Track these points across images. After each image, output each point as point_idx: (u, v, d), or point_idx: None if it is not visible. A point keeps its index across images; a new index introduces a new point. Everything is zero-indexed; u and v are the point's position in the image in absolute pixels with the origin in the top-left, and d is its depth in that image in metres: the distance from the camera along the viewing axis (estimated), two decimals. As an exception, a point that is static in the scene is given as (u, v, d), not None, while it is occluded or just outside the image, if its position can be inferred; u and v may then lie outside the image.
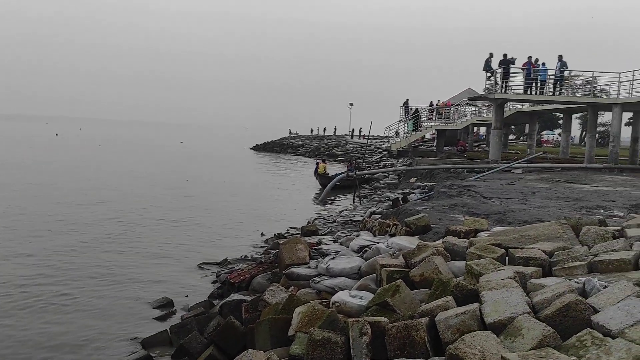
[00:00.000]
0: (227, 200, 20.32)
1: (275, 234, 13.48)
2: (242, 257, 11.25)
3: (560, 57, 23.98)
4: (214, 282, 9.81)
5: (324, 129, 77.14)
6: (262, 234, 13.91)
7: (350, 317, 4.86)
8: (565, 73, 25.55)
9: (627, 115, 31.71)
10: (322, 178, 24.73)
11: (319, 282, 6.69)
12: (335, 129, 76.99)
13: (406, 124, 34.97)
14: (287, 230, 14.24)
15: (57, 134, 72.79)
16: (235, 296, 7.69)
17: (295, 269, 7.33)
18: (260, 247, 12.55)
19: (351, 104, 71.31)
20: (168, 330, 7.20)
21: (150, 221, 15.35)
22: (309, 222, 14.27)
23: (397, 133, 36.63)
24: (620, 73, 23.73)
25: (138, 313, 8.22)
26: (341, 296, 5.44)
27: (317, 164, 26.24)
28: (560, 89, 24.63)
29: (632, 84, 23.09)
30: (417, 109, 34.84)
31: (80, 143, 57.73)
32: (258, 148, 61.66)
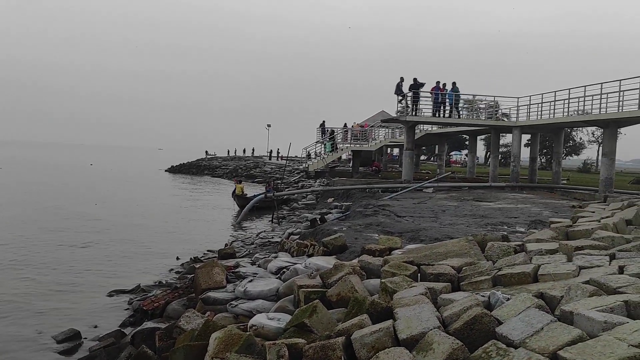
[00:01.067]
0: (140, 224, 19.55)
1: (191, 258, 13.13)
2: (156, 283, 10.85)
3: (453, 83, 25.46)
4: (126, 310, 9.35)
5: (244, 150, 76.85)
6: (178, 258, 13.50)
7: (268, 340, 4.82)
8: (468, 97, 27.25)
9: (526, 137, 34.11)
10: (240, 199, 24.49)
11: (236, 305, 6.59)
12: (253, 150, 76.85)
13: (323, 145, 35.55)
14: (204, 253, 13.92)
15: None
16: (148, 324, 7.38)
17: (211, 293, 7.18)
18: (176, 271, 12.15)
19: (269, 125, 71.59)
20: (75, 364, 6.77)
21: (54, 247, 14.44)
22: (226, 245, 14.03)
23: (308, 155, 37.12)
24: (518, 98, 25.62)
25: (40, 348, 7.63)
26: (259, 319, 5.38)
27: (236, 184, 25.99)
28: (458, 113, 25.96)
29: (529, 108, 24.98)
30: (333, 131, 35.54)
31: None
32: (173, 170, 60.07)
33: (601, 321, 3.37)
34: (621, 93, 18.62)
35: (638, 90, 17.59)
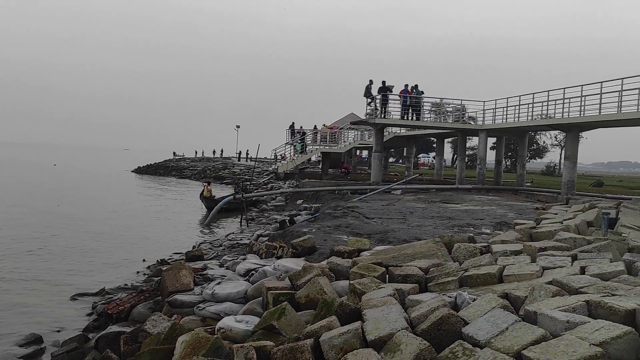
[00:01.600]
0: (106, 226, 19.15)
1: (157, 260, 12.93)
2: (122, 286, 10.63)
3: (416, 86, 25.75)
4: (90, 314, 9.14)
5: (213, 152, 76.14)
6: (144, 260, 13.27)
7: (236, 343, 4.78)
8: (436, 101, 27.61)
9: (492, 140, 34.77)
10: (208, 201, 24.25)
11: (203, 308, 6.51)
12: (222, 151, 76.24)
13: (292, 147, 35.55)
14: (171, 256, 13.72)
15: None
16: (113, 328, 7.23)
17: (178, 296, 7.08)
18: (142, 274, 11.95)
19: (238, 126, 71.02)
20: (36, 370, 6.58)
21: (14, 250, 14.01)
22: (194, 247, 13.87)
23: (276, 158, 37.12)
24: (484, 102, 26.12)
25: (0, 353, 7.40)
26: (226, 322, 5.34)
27: (206, 186, 25.73)
28: (419, 116, 26.10)
29: (495, 112, 25.48)
30: (304, 132, 35.57)
31: None
32: (140, 170, 59.09)
33: (564, 321, 3.45)
34: (583, 98, 19.15)
35: (599, 95, 18.13)
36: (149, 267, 12.52)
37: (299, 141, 34.56)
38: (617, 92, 17.27)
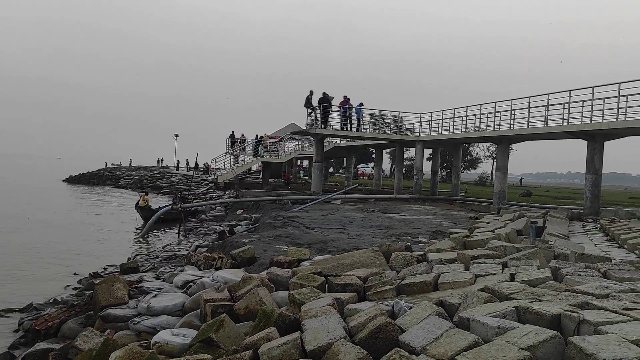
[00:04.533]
0: (34, 238, 18.21)
1: (90, 273, 12.43)
2: (51, 301, 10.12)
3: (347, 97, 26.04)
4: (16, 330, 8.64)
5: (158, 161, 73.80)
6: (75, 274, 12.70)
7: (172, 358, 4.67)
8: (374, 112, 28.10)
9: (428, 151, 35.77)
10: (144, 211, 23.56)
11: (138, 322, 6.31)
12: (159, 160, 74.30)
13: (232, 157, 35.22)
14: (104, 268, 13.22)
15: None
16: (41, 345, 6.87)
17: (112, 310, 6.83)
18: (73, 288, 11.43)
19: (176, 135, 69.50)
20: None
21: None
22: (129, 259, 13.45)
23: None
24: (421, 114, 26.87)
25: None
26: (162, 336, 5.20)
27: (142, 196, 25.00)
28: (350, 126, 26.19)
29: (431, 124, 26.27)
30: (260, 137, 35.41)
31: None
32: (72, 180, 56.60)
33: (494, 326, 3.59)
34: (512, 112, 20.09)
35: (527, 109, 19.07)
36: (80, 281, 12.00)
37: (255, 145, 34.46)
38: (544, 107, 18.24)
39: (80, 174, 59.57)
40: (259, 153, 34.07)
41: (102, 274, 12.25)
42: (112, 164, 73.16)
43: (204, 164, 36.89)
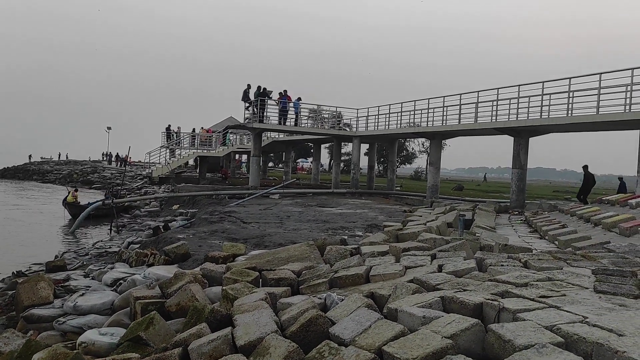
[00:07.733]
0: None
1: (13, 272, 11.77)
2: (-31, 303, 9.56)
3: (285, 91, 26.12)
4: None
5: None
6: (-4, 273, 12.03)
7: (99, 358, 4.53)
8: (313, 107, 28.20)
9: (365, 146, 36.35)
10: (72, 207, 22.57)
11: (64, 322, 6.07)
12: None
13: (167, 150, 34.38)
14: (29, 267, 12.57)
15: None
16: (-44, 350, 6.48)
17: (35, 310, 6.53)
18: (-6, 288, 10.82)
19: (109, 128, 67.04)
20: None
21: None
22: (56, 257, 12.86)
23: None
24: (358, 109, 27.24)
25: None
26: (89, 335, 5.03)
27: (72, 192, 23.90)
28: (285, 121, 26.21)
29: (368, 119, 26.68)
30: (227, 127, 34.76)
31: None
32: (-5, 174, 53.50)
33: (420, 316, 3.71)
34: (445, 108, 20.72)
35: (458, 106, 19.73)
36: (3, 280, 11.37)
37: (223, 134, 33.92)
38: (474, 104, 18.93)
39: (4, 168, 56.33)
40: (226, 142, 33.68)
41: (26, 272, 11.64)
42: (41, 158, 69.37)
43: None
